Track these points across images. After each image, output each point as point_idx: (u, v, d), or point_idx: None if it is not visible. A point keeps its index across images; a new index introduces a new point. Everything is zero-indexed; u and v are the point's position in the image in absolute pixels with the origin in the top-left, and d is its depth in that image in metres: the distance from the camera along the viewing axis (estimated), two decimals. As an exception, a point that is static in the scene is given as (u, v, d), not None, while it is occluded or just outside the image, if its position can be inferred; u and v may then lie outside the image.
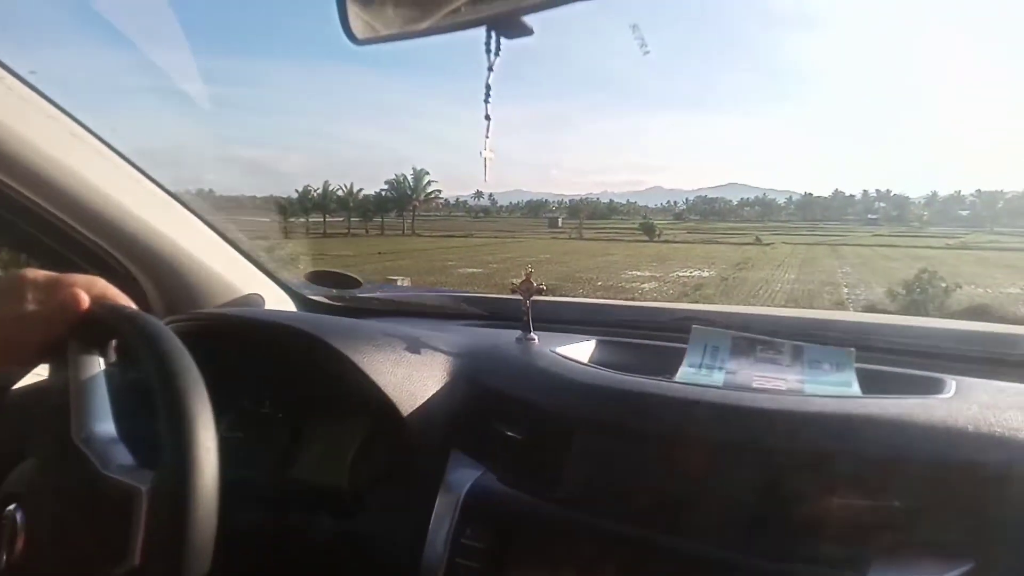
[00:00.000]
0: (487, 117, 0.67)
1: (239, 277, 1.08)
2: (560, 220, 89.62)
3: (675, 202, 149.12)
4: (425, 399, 0.79)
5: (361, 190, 76.34)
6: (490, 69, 0.62)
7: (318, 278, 1.28)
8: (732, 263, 26.89)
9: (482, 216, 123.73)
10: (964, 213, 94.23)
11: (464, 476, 0.74)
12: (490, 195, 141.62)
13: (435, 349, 0.87)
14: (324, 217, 71.98)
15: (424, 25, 0.60)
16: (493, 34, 0.59)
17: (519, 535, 0.68)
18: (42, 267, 0.79)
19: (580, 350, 0.92)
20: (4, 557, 0.52)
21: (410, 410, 0.78)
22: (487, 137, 0.69)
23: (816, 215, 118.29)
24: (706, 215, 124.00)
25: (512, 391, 0.80)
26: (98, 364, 0.57)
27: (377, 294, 1.36)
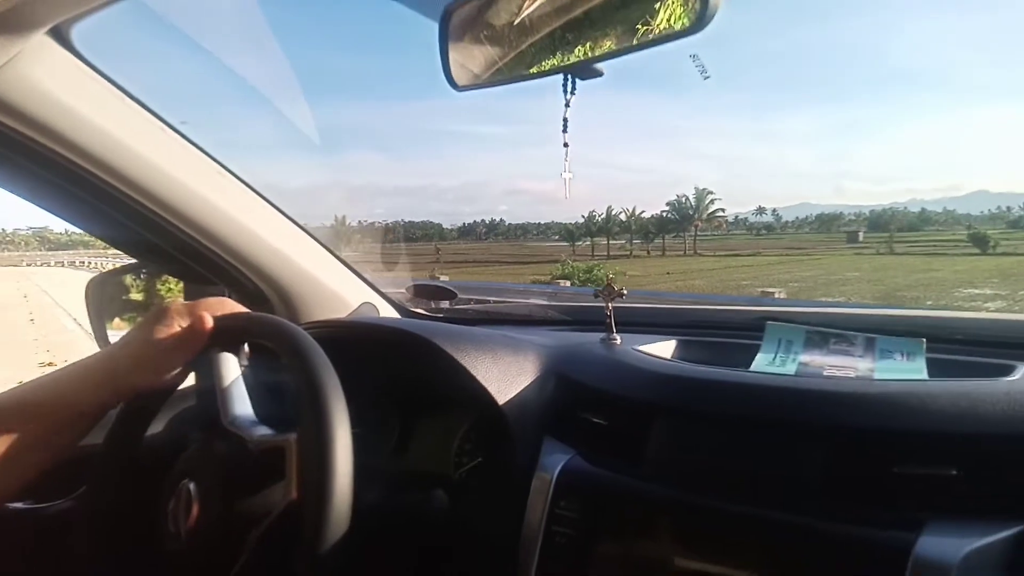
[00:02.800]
0: (565, 145, 0.77)
1: (350, 292, 1.19)
2: (860, 234, 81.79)
3: (1008, 207, 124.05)
4: (519, 391, 0.87)
5: (643, 212, 78.20)
6: (567, 106, 0.71)
7: (419, 291, 1.41)
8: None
9: (764, 233, 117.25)
10: None
11: (556, 459, 0.79)
12: (773, 210, 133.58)
13: (526, 348, 0.94)
14: (608, 240, 74.23)
15: (513, 74, 0.73)
16: (569, 78, 0.69)
17: (608, 506, 0.74)
18: (187, 283, 1.15)
19: (661, 348, 0.97)
20: (183, 523, 0.65)
21: (506, 401, 0.85)
22: (566, 160, 0.80)
23: None
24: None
25: (597, 383, 0.86)
26: (235, 364, 0.72)
27: (470, 306, 1.45)
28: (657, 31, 0.61)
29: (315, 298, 1.14)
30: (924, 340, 0.85)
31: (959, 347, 0.87)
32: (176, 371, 0.73)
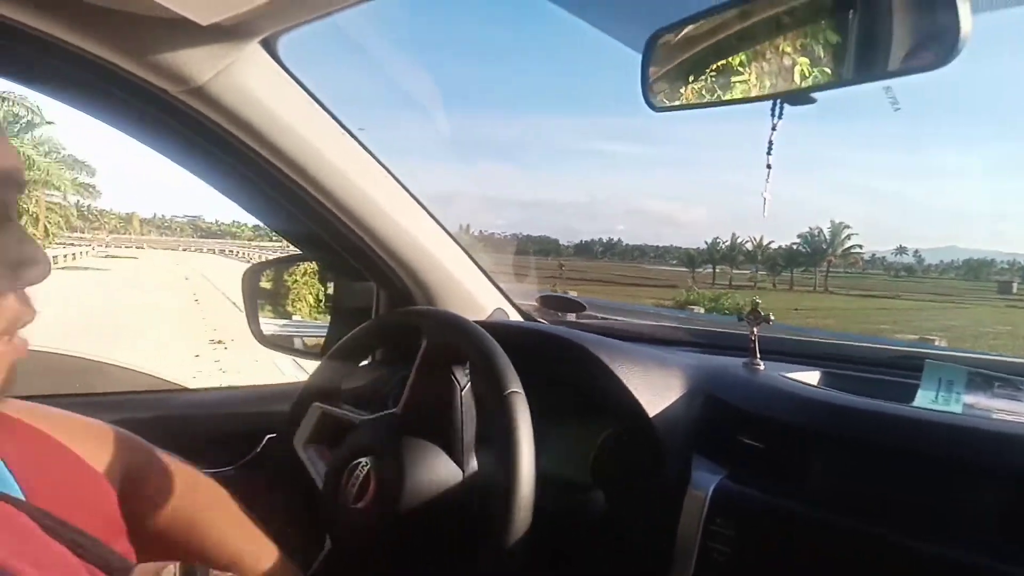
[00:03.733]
0: (768, 166, 0.80)
1: (486, 297, 1.23)
2: (1015, 284, 73.42)
3: None
4: (668, 405, 0.87)
5: (771, 242, 75.31)
6: (773, 129, 0.72)
7: (548, 302, 1.42)
8: None
9: (904, 276, 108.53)
10: None
11: (709, 477, 0.79)
12: (915, 251, 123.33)
13: (673, 365, 0.94)
14: (731, 268, 72.94)
15: (716, 99, 0.73)
16: (778, 103, 0.70)
17: (764, 526, 0.73)
18: (340, 277, 1.22)
19: (806, 377, 0.95)
20: (363, 498, 0.70)
21: (656, 413, 0.85)
22: (767, 181, 0.83)
23: None
24: None
25: (748, 406, 0.85)
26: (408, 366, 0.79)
27: (597, 320, 1.45)
28: (892, 67, 0.58)
29: (454, 300, 1.17)
30: None
31: None
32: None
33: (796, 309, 33.48)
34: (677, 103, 0.78)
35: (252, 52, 0.79)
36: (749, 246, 75.92)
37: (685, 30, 0.74)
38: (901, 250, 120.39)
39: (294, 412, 0.88)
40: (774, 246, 75.43)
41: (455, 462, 0.72)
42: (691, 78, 0.75)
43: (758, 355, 0.95)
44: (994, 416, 0.81)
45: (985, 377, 0.89)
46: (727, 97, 0.73)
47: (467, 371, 0.77)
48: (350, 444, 0.77)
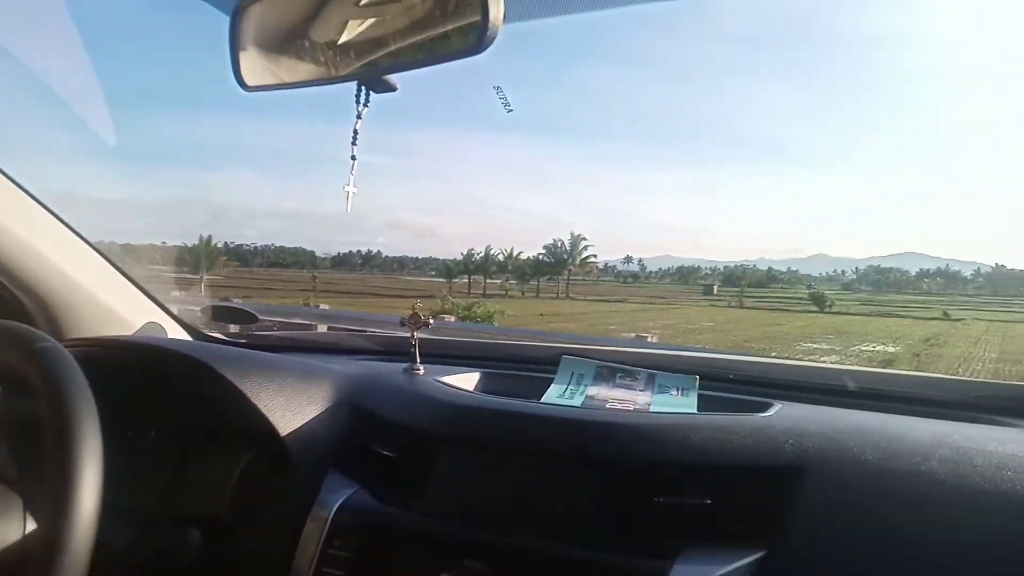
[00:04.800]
0: (352, 157, 0.75)
1: (132, 311, 1.10)
2: (715, 287, 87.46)
3: (843, 271, 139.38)
4: (307, 421, 0.83)
5: (520, 253, 79.60)
6: (358, 117, 0.71)
7: (215, 313, 1.32)
8: (919, 338, 25.63)
9: (631, 281, 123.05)
10: None
11: (337, 493, 0.77)
12: (639, 260, 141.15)
13: (320, 377, 0.90)
14: (485, 278, 75.21)
15: (305, 78, 0.72)
16: (363, 89, 0.70)
17: (384, 544, 0.73)
18: None
19: (464, 380, 0.97)
20: None
21: (289, 432, 0.81)
22: (352, 174, 0.76)
23: (1012, 291, 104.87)
24: (879, 286, 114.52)
25: (389, 414, 0.84)
26: None
27: (274, 332, 1.41)
28: (447, 48, 0.64)
29: (85, 314, 1.06)
30: (697, 377, 0.94)
31: (731, 385, 0.97)
32: None
33: (542, 314, 34.53)
34: (271, 81, 0.74)
35: None
36: (501, 257, 79.30)
37: (268, 1, 0.71)
38: (628, 259, 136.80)
39: None
40: (523, 257, 79.51)
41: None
42: (278, 54, 0.72)
43: (418, 359, 0.97)
44: (608, 406, 0.89)
45: (610, 369, 0.97)
46: (313, 77, 0.72)
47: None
48: None
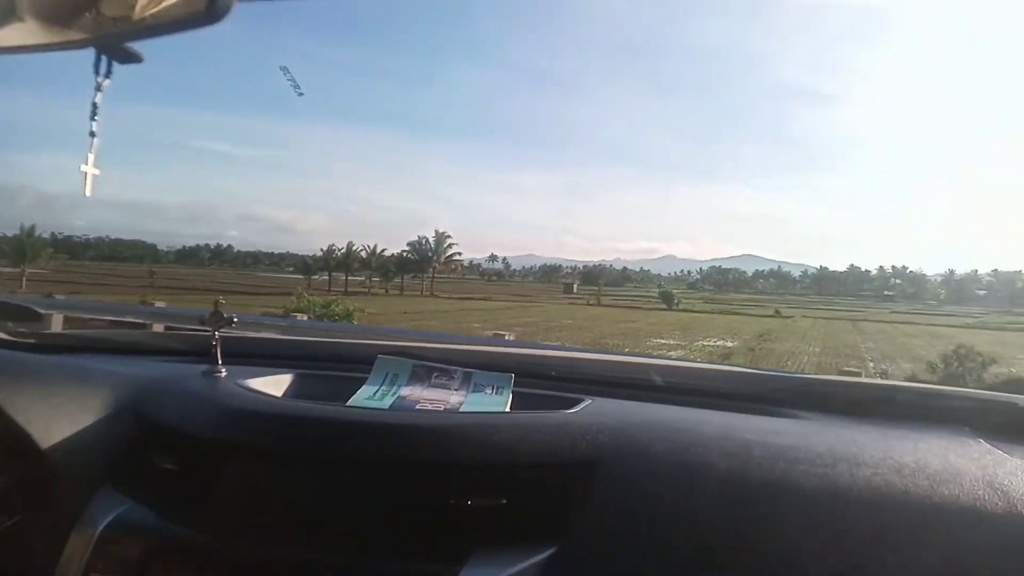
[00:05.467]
0: (92, 134, 0.67)
1: None
2: (575, 286, 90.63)
3: (688, 271, 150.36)
4: (74, 432, 0.76)
5: (384, 250, 77.84)
6: (97, 89, 0.64)
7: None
8: (755, 334, 27.55)
9: (495, 279, 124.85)
10: (981, 292, 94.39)
11: (107, 510, 0.71)
12: (504, 259, 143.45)
13: (98, 382, 0.83)
14: (346, 275, 73.00)
15: (31, 42, 0.60)
16: (103, 59, 0.63)
17: (158, 564, 0.68)
18: None
19: (272, 383, 0.91)
20: None
21: (52, 444, 0.73)
22: (91, 152, 0.68)
23: (832, 289, 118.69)
24: (720, 285, 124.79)
25: (176, 422, 0.78)
26: None
27: (67, 331, 1.30)
28: (174, 15, 0.59)
29: None
30: (513, 375, 0.92)
31: (548, 381, 0.96)
32: None
33: (405, 312, 34.02)
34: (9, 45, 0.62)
35: None
36: (364, 254, 77.11)
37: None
38: (493, 258, 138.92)
39: None
40: (387, 253, 77.89)
41: None
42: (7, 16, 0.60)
43: (220, 360, 0.90)
44: (418, 407, 0.86)
45: (427, 368, 0.95)
46: (41, 41, 0.61)
47: None
48: None
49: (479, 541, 0.65)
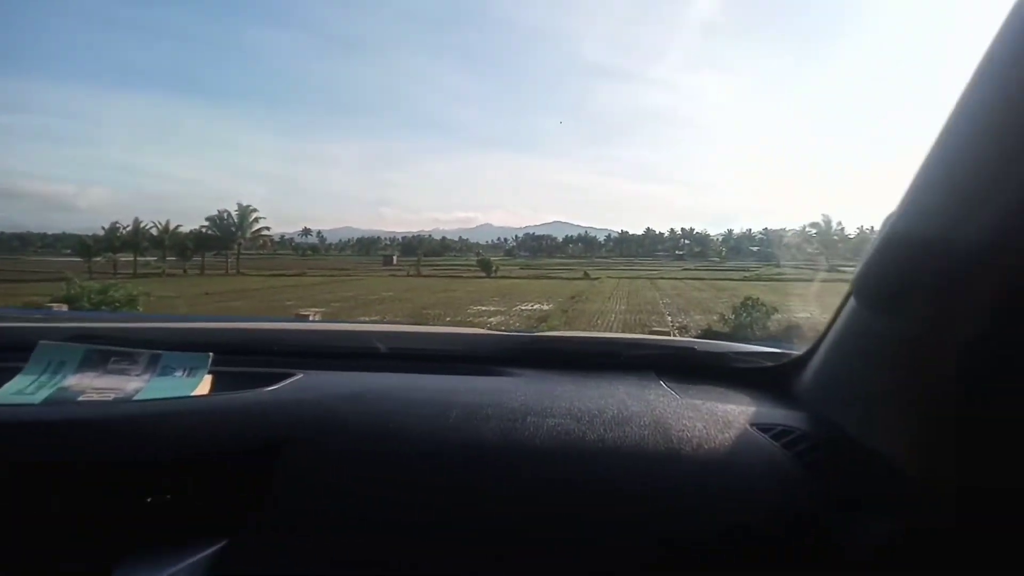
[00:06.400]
0: None
1: None
2: (395, 257, 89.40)
3: (505, 239, 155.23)
4: None
5: (179, 227, 70.60)
6: None
7: None
8: (567, 296, 29.03)
9: (310, 254, 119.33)
10: (754, 249, 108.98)
11: None
12: (319, 232, 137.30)
13: None
14: (135, 256, 65.28)
15: None
16: None
17: None
18: None
19: None
20: None
21: None
22: None
23: (632, 251, 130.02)
24: (535, 251, 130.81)
25: None
26: None
27: None
28: None
29: None
30: (211, 355, 0.85)
31: (258, 357, 0.91)
32: None
33: (207, 293, 31.25)
34: None
35: None
36: (155, 231, 69.15)
37: None
38: (307, 231, 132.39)
39: None
40: (183, 231, 70.73)
41: None
42: None
43: None
44: (81, 398, 0.78)
45: (103, 353, 0.86)
46: None
47: None
48: None
49: (142, 541, 0.61)
